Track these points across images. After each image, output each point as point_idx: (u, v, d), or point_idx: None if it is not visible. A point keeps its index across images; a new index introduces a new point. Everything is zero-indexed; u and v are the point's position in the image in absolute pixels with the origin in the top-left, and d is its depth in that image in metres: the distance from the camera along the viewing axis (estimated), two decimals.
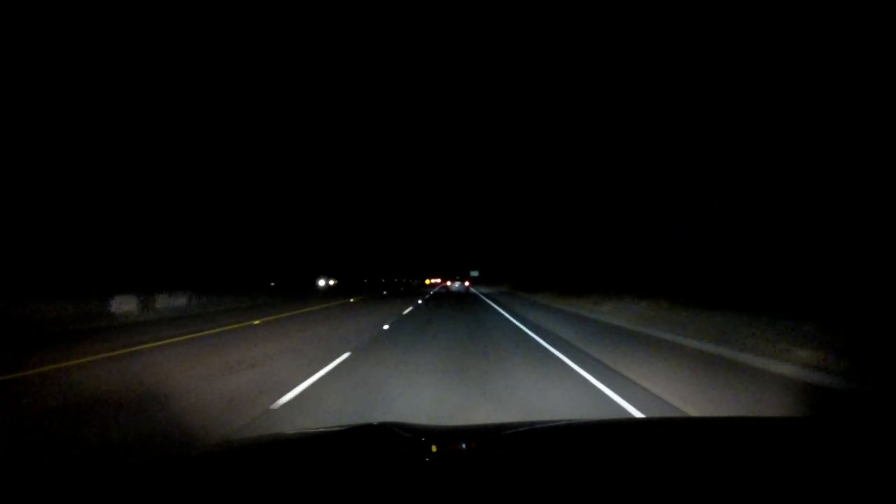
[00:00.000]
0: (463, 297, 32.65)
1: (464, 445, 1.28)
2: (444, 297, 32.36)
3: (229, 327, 12.34)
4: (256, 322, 13.86)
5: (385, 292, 41.77)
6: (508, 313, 18.54)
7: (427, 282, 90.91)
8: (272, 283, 35.88)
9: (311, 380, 6.09)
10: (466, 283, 46.16)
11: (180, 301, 18.95)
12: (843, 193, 22.63)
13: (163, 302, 17.69)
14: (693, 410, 4.59)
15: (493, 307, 22.62)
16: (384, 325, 13.25)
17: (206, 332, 11.20)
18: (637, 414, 4.49)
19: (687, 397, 5.10)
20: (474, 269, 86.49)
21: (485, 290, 50.02)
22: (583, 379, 6.23)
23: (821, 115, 24.82)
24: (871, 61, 21.40)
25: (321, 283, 51.51)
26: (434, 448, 1.20)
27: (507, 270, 73.03)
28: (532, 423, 1.61)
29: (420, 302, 26.26)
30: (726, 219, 31.14)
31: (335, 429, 1.48)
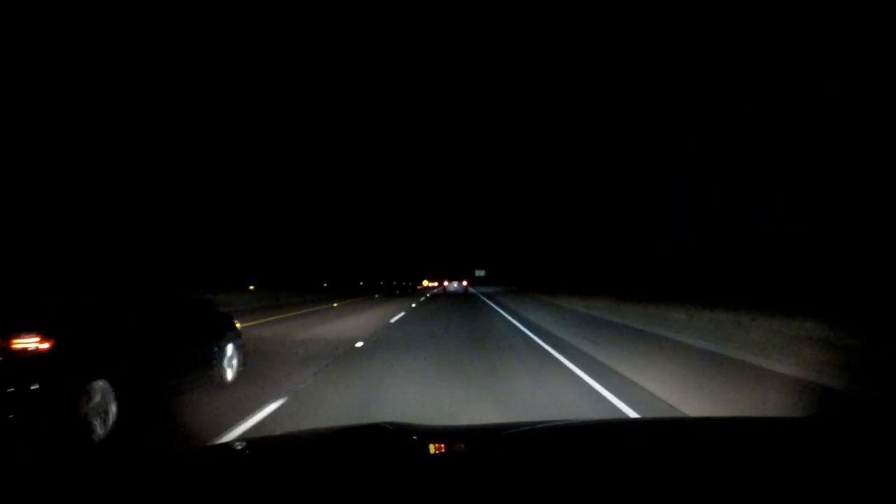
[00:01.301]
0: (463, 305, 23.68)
1: (464, 445, 1.31)
2: (441, 301, 27.40)
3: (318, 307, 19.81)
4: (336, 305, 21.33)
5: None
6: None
7: (425, 283, 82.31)
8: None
9: None
10: (465, 284, 46.15)
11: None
12: (843, 193, 23.10)
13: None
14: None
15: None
16: None
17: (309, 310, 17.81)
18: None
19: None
20: (480, 269, 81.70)
21: (490, 290, 50.29)
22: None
23: (820, 115, 25.34)
24: (871, 61, 21.89)
25: None
26: (434, 448, 1.24)
27: (514, 270, 73.29)
28: (532, 424, 1.65)
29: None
30: (726, 219, 31.68)
31: (336, 429, 1.52)
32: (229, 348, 5.15)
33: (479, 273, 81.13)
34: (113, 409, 3.39)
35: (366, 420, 2.17)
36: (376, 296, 32.70)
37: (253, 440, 1.67)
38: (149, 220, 29.45)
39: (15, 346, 2.96)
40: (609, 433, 1.50)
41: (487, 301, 26.17)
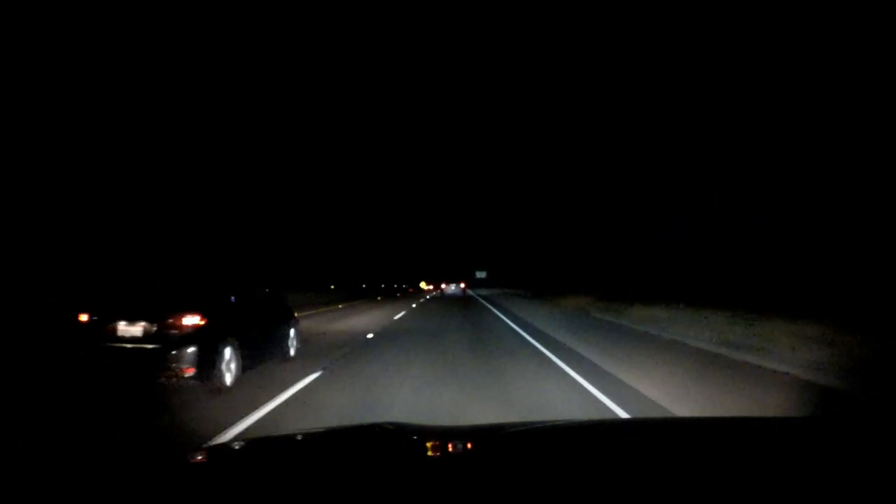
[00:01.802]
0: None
1: (463, 445, 1.34)
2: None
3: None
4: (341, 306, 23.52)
5: None
6: None
7: (423, 286, 77.37)
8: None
9: None
10: (462, 286, 47.88)
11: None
12: (843, 193, 24.18)
13: None
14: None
15: None
16: None
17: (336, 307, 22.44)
18: None
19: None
20: (480, 270, 78.48)
21: (493, 293, 51.40)
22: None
23: (820, 115, 26.50)
24: (871, 61, 22.91)
25: None
26: (434, 448, 1.29)
27: (515, 272, 73.77)
28: (531, 424, 1.73)
29: None
30: (726, 219, 32.88)
31: (336, 429, 1.62)
32: (292, 332, 6.87)
33: (480, 275, 77.45)
34: (234, 367, 5.08)
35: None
36: (340, 306, 26.00)
37: (253, 440, 1.70)
38: (149, 220, 30.53)
39: (184, 322, 4.65)
40: (608, 433, 1.54)
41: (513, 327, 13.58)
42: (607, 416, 4.25)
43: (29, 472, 1.05)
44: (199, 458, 1.33)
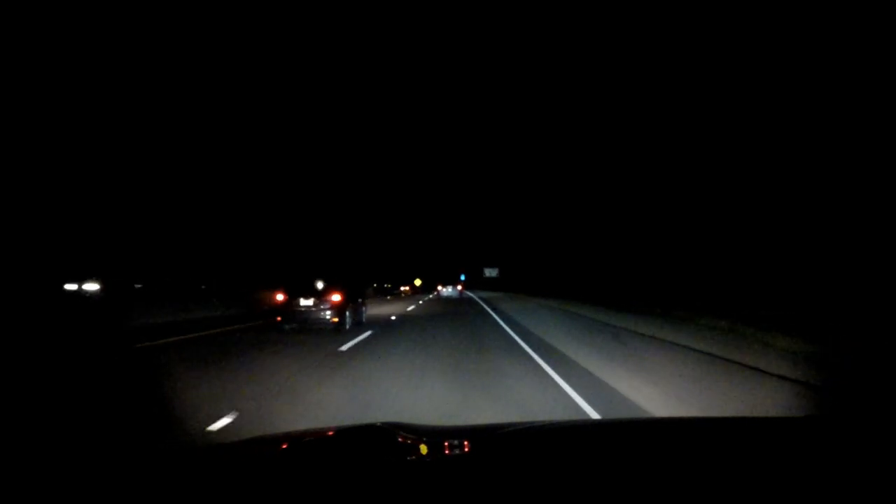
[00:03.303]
0: None
1: (460, 445, 1.45)
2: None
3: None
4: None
5: None
6: None
7: (416, 283, 70.31)
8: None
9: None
10: (459, 288, 47.55)
11: None
12: (842, 193, 27.09)
13: None
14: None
15: None
16: None
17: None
18: None
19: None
20: (491, 267, 73.71)
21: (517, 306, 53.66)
22: None
23: (820, 115, 29.43)
24: (871, 61, 25.69)
25: None
26: (432, 448, 1.39)
27: (522, 272, 73.55)
28: (530, 424, 1.90)
29: None
30: (726, 218, 36.00)
31: (334, 429, 1.77)
32: (364, 308, 13.59)
33: (490, 273, 72.77)
34: (349, 321, 11.74)
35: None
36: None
37: (252, 440, 1.78)
38: (149, 220, 31.96)
39: (333, 298, 11.27)
40: (608, 433, 1.67)
41: None
42: (608, 418, 4.59)
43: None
44: (195, 457, 1.43)
